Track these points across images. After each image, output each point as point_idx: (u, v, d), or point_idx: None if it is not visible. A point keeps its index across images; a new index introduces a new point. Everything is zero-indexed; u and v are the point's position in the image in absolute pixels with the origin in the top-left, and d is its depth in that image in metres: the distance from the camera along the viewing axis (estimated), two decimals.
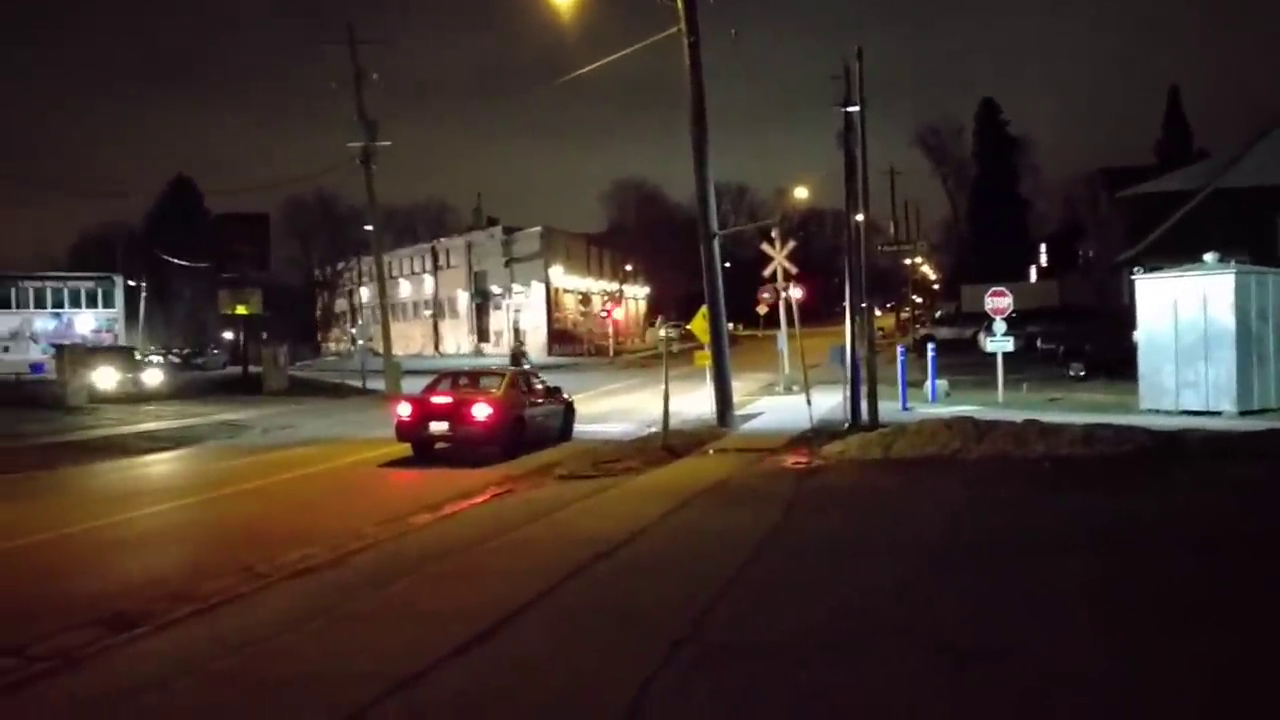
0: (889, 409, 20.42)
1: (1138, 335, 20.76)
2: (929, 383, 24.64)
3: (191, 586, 8.49)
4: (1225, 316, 19.17)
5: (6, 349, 49.43)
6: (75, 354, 32.14)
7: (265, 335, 46.35)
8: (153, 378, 34.64)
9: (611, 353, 59.65)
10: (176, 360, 57.56)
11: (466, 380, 19.54)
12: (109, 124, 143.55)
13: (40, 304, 52.15)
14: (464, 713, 5.31)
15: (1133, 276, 21.97)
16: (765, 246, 27.62)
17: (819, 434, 18.12)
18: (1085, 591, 7.51)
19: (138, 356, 39.83)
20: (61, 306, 52.29)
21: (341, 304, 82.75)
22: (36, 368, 40.59)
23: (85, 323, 51.65)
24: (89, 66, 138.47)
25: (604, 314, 64.60)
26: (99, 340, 47.08)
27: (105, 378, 31.68)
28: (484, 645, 6.42)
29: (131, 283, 57.30)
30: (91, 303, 53.01)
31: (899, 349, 25.82)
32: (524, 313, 68.77)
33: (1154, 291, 20.30)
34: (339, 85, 35.52)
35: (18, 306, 51.59)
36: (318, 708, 5.29)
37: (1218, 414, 18.83)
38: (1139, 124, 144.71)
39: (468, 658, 6.17)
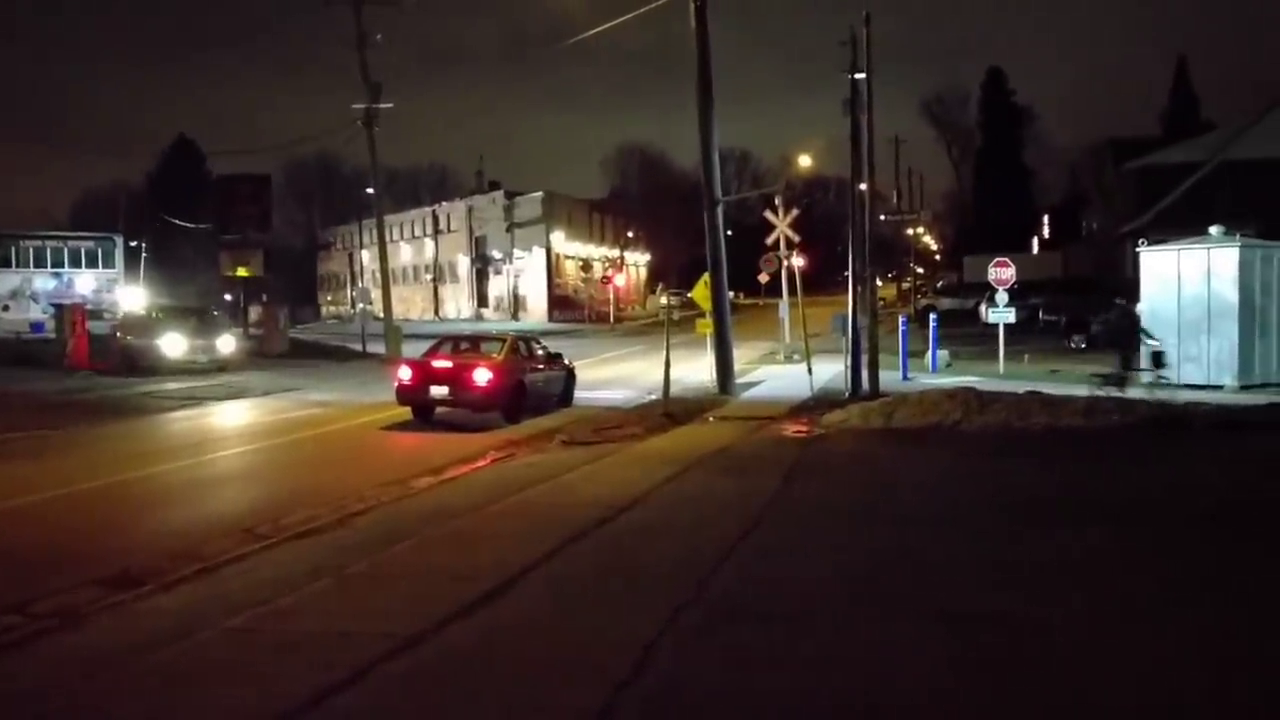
0: (890, 379, 20.46)
1: (1141, 308, 20.73)
2: (930, 353, 24.65)
3: (195, 547, 8.51)
4: (1229, 290, 19.15)
5: (7, 308, 49.26)
6: (133, 319, 29.21)
7: (265, 297, 46.23)
8: (226, 345, 28.42)
9: (612, 320, 59.53)
10: None
11: (467, 345, 19.51)
12: (113, 85, 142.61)
13: (40, 263, 51.86)
14: (470, 672, 5.34)
15: (1137, 249, 21.88)
16: (768, 214, 27.59)
17: (820, 403, 18.15)
18: (1084, 562, 7.55)
19: (216, 317, 34.21)
20: (62, 266, 52.02)
21: (342, 267, 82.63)
22: (37, 327, 40.50)
23: (85, 283, 51.42)
24: (94, 27, 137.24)
25: (605, 280, 64.44)
26: (99, 301, 46.94)
27: (173, 345, 26.54)
28: (489, 606, 6.45)
29: (132, 243, 57.02)
30: (92, 263, 52.72)
31: (901, 319, 25.83)
32: (524, 278, 68.62)
33: (1158, 264, 20.26)
34: (343, 46, 35.24)
35: (18, 265, 51.36)
36: (325, 666, 5.31)
37: (1219, 388, 18.86)
38: (1145, 95, 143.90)
39: (473, 618, 6.20)
